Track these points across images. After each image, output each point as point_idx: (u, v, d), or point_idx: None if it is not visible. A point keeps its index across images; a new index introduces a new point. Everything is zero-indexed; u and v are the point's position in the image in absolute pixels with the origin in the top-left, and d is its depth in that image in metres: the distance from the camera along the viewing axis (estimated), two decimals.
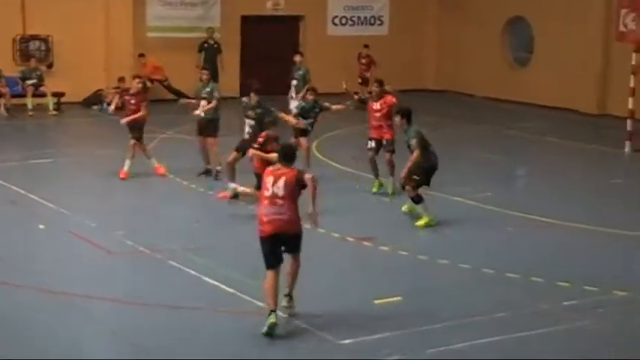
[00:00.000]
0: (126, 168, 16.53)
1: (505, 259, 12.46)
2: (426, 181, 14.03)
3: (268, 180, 10.03)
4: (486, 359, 9.33)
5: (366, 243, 13.00)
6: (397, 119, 14.24)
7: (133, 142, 16.72)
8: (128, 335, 9.74)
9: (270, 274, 9.97)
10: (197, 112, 16.86)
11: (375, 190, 15.64)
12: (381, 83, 15.73)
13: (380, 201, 15.30)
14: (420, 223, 13.93)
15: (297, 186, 9.98)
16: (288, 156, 10.26)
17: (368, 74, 25.30)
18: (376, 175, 15.69)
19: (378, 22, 28.25)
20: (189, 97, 24.97)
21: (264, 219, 10.02)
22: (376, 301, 10.68)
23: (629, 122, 19.69)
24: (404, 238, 13.26)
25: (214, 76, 24.72)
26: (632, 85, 19.61)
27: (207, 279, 11.31)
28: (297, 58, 21.38)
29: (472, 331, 9.88)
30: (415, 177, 13.91)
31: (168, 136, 20.83)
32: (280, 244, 10.06)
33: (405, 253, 12.56)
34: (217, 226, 14.03)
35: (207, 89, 16.98)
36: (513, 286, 11.41)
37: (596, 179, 17.85)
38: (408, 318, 10.23)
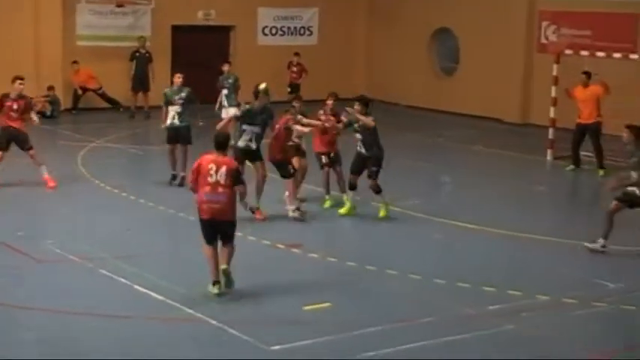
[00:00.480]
0: (46, 175, 16.13)
1: (432, 265, 12.56)
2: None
3: (210, 167, 10.70)
4: None
5: (295, 250, 13.00)
6: (357, 107, 14.45)
7: (32, 152, 16.04)
8: (58, 344, 9.55)
9: (207, 247, 10.91)
10: (168, 121, 16.20)
11: (327, 205, 15.19)
12: (337, 96, 15.39)
13: (310, 208, 15.26)
14: (383, 213, 14.40)
15: (235, 177, 10.76)
16: (221, 144, 10.91)
17: (299, 81, 25.36)
18: (328, 191, 15.36)
19: (307, 32, 28.32)
20: (122, 106, 24.91)
21: (204, 206, 10.77)
22: (305, 308, 10.68)
23: (550, 131, 20.03)
24: (333, 245, 13.31)
25: (145, 85, 24.67)
26: (553, 94, 19.94)
27: (137, 287, 11.19)
28: (226, 67, 21.27)
29: (400, 336, 9.93)
30: (380, 168, 14.51)
31: (99, 145, 20.58)
32: (215, 228, 10.82)
33: (334, 259, 12.58)
34: (148, 234, 13.89)
35: (183, 94, 16.38)
36: (440, 291, 11.50)
37: (520, 186, 18.09)
38: (337, 324, 10.23)
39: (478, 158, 20.96)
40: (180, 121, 16.35)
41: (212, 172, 10.62)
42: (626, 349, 10.02)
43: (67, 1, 24.53)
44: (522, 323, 10.51)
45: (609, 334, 10.47)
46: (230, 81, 20.76)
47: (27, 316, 10.34)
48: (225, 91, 20.58)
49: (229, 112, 19.89)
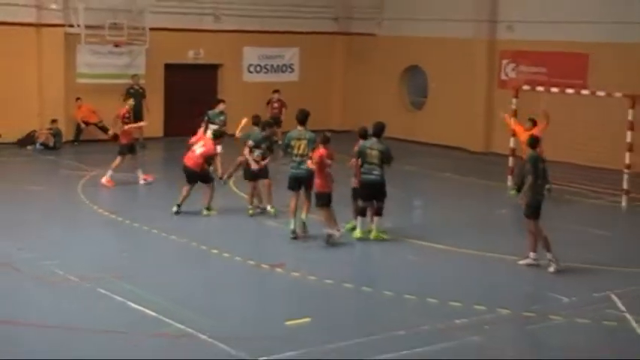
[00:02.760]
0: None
1: (404, 282, 12.55)
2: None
3: (199, 143, 16.25)
4: None
5: (278, 269, 12.97)
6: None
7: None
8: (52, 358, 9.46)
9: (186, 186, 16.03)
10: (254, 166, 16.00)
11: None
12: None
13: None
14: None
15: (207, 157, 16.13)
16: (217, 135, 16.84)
17: (282, 116, 25.27)
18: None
19: (289, 69, 28.43)
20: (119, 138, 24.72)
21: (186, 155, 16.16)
22: (288, 322, 10.65)
23: (510, 159, 20.11)
24: (313, 265, 13.25)
25: (139, 118, 24.49)
26: (512, 126, 20.03)
27: (132, 304, 11.12)
28: (222, 106, 20.79)
29: (374, 349, 9.90)
30: None
31: (98, 174, 20.45)
32: (190, 176, 16.00)
33: (313, 278, 12.55)
34: (143, 256, 13.83)
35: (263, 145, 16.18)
36: (411, 306, 11.49)
37: (484, 210, 18.15)
38: (316, 337, 10.20)
39: (447, 184, 21.01)
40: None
41: (198, 144, 16.12)
42: None
43: (69, 42, 24.49)
44: (486, 335, 10.51)
45: (564, 346, 10.46)
46: (222, 118, 20.48)
47: (27, 332, 10.22)
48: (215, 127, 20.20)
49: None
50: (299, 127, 15.01)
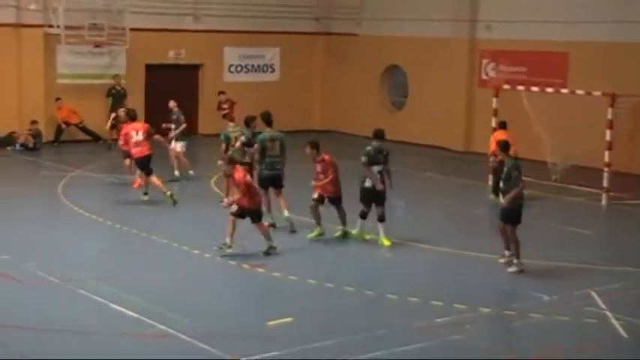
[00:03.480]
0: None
1: (385, 281, 12.58)
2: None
3: (133, 133, 16.98)
4: None
5: (260, 270, 12.95)
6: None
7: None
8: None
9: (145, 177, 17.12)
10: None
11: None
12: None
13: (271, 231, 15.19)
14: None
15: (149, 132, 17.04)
16: (135, 116, 17.75)
17: (234, 114, 24.96)
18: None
19: (270, 69, 28.41)
20: (102, 139, 24.64)
21: (134, 150, 16.94)
22: (269, 322, 10.63)
23: (491, 158, 20.12)
24: (294, 265, 13.24)
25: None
26: (493, 125, 20.09)
27: (113, 305, 11.08)
28: (171, 104, 20.59)
29: (357, 348, 9.90)
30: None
31: (78, 175, 20.39)
32: (147, 163, 16.88)
33: (294, 278, 12.54)
34: (124, 257, 13.77)
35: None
36: (393, 305, 11.50)
37: (463, 209, 18.18)
38: (298, 337, 10.20)
39: (427, 184, 21.05)
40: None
41: (135, 134, 16.87)
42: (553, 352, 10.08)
43: (48, 43, 24.36)
44: (467, 334, 10.53)
45: (544, 344, 10.50)
46: (174, 117, 20.29)
47: (8, 334, 10.12)
48: (173, 126, 20.06)
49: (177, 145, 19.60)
50: (268, 129, 15.22)
